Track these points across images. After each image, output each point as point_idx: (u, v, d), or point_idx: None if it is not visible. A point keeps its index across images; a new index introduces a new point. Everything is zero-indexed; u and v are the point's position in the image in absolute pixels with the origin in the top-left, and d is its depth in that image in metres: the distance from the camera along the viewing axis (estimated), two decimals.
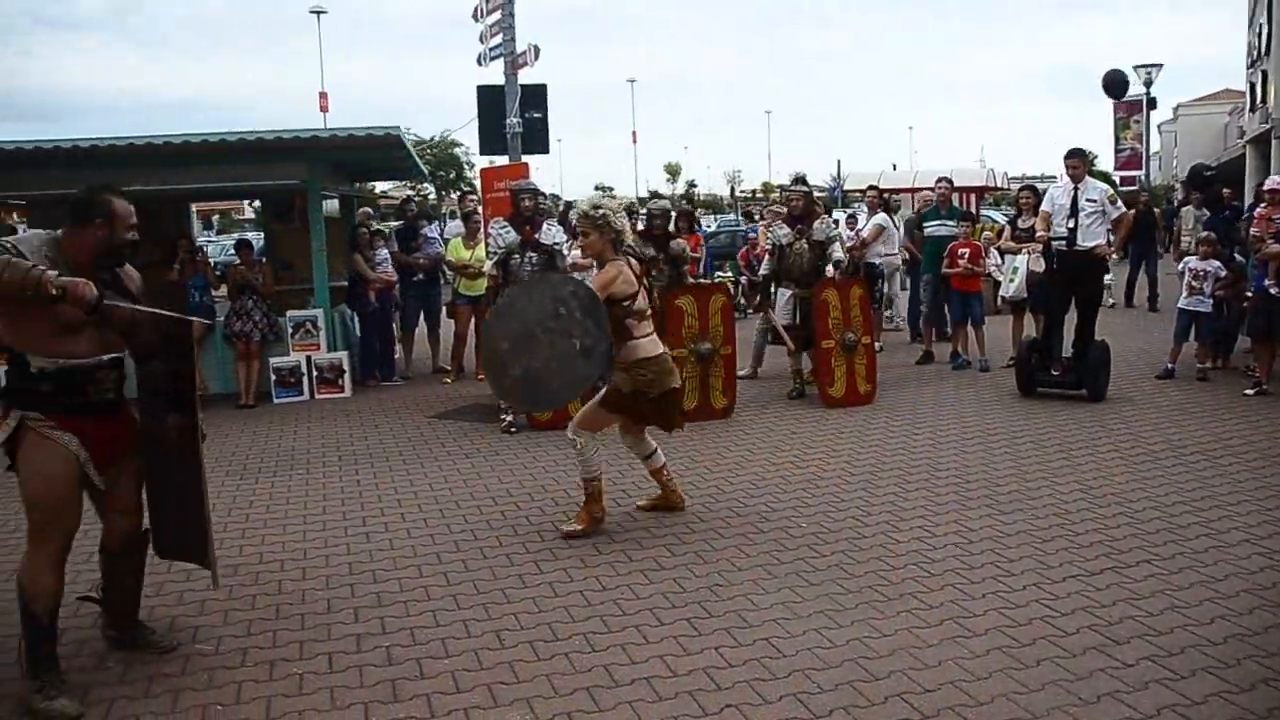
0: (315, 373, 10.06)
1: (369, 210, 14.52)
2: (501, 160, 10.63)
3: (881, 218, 12.33)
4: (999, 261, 10.64)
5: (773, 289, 9.54)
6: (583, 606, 4.46)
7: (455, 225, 11.94)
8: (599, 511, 5.43)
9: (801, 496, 5.99)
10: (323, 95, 41.58)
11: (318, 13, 46.53)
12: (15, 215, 11.46)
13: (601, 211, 5.28)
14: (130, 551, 4.14)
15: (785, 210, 9.40)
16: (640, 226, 8.75)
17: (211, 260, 13.58)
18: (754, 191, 72.73)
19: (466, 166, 40.93)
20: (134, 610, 4.24)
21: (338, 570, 5.04)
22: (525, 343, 5.07)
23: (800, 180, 9.89)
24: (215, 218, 44.58)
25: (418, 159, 12.24)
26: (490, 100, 10.52)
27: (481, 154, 11.48)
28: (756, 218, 17.34)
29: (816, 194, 10.09)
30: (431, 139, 35.31)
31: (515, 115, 10.23)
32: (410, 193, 29.70)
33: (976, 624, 4.12)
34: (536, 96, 10.57)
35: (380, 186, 26.16)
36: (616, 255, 5.33)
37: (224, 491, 6.55)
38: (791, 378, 9.21)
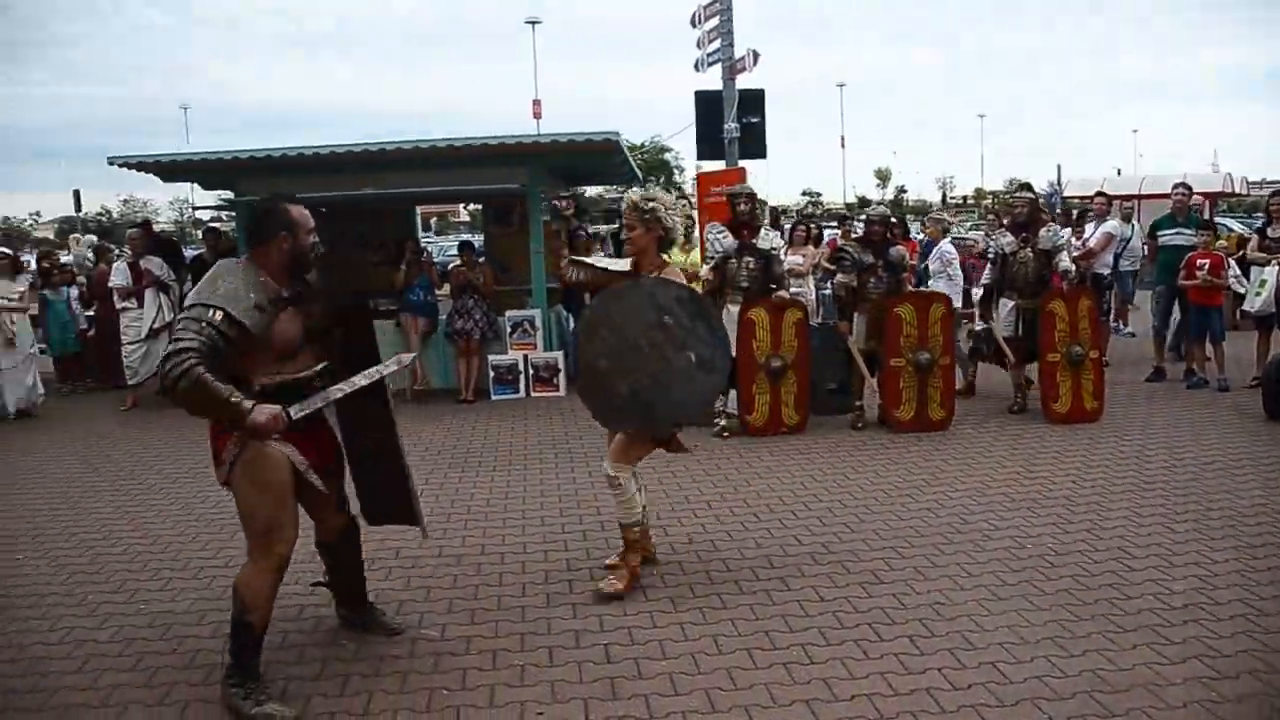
0: (531, 371, 10.38)
1: (576, 211, 14.83)
2: (718, 165, 10.68)
3: (1112, 224, 11.67)
4: (1238, 273, 9.87)
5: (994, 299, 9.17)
6: (800, 616, 4.41)
7: None
8: (638, 558, 4.90)
9: (1026, 516, 5.73)
10: (536, 102, 43.12)
11: (533, 22, 48.14)
12: None
13: (652, 205, 4.68)
14: (346, 541, 4.30)
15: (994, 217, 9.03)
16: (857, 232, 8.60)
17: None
18: (965, 198, 70.35)
19: (676, 171, 41.36)
20: (361, 593, 4.47)
21: (556, 566, 5.17)
22: (630, 358, 4.52)
23: (1025, 186, 9.49)
24: (433, 220, 46.54)
25: (634, 164, 12.44)
26: (708, 105, 10.61)
27: (698, 159, 11.59)
28: (918, 230, 16.16)
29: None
30: (641, 145, 35.88)
31: (733, 120, 10.26)
32: (621, 196, 30.31)
33: (1226, 666, 3.82)
34: (754, 101, 10.58)
35: (590, 191, 26.74)
36: (660, 257, 4.81)
37: (446, 484, 6.85)
38: (1013, 391, 8.83)
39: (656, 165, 37.75)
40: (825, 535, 5.50)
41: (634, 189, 4.78)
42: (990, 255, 9.22)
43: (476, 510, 6.24)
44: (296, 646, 4.28)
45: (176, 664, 4.16)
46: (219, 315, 3.56)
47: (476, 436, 8.49)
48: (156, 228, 15.48)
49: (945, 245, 10.38)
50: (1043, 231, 8.67)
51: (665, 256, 4.84)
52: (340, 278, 4.18)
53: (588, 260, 5.11)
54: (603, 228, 13.94)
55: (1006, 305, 8.87)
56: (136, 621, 4.64)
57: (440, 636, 4.34)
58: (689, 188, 38.26)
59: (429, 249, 15.33)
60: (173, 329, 4.00)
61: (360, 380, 3.89)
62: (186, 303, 3.68)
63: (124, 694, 3.91)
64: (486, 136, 9.79)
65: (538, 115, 41.98)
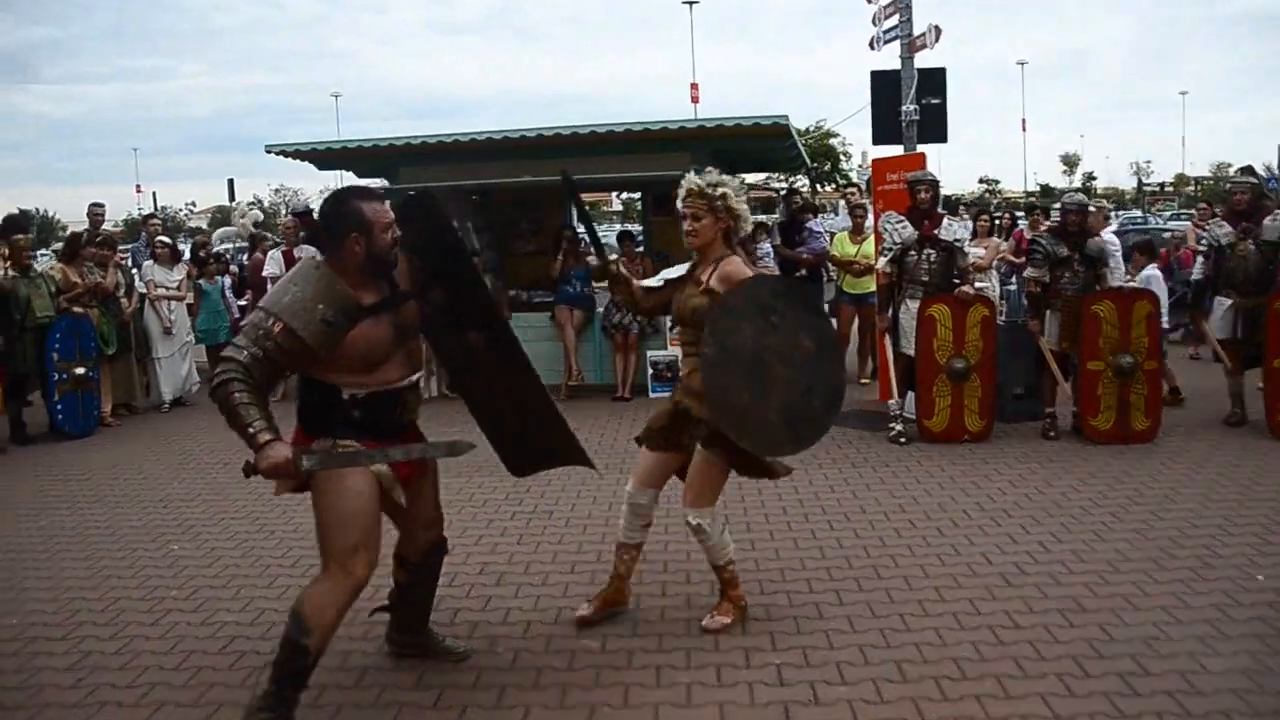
0: None
1: None
2: (894, 151, 10.40)
3: None
4: None
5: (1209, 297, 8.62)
6: (993, 644, 4.19)
7: (839, 219, 11.85)
8: (743, 597, 4.61)
9: (1254, 542, 5.31)
10: (693, 86, 43.11)
11: (690, 2, 48.13)
12: None
13: (721, 191, 4.26)
14: (429, 562, 4.16)
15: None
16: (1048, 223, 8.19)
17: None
18: (1163, 184, 66.89)
19: (843, 158, 40.66)
20: (425, 619, 4.28)
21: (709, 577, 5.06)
22: (763, 378, 4.13)
23: (1247, 170, 8.89)
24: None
25: (803, 149, 12.25)
26: (885, 86, 10.33)
27: (874, 143, 11.30)
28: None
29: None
30: (806, 130, 35.43)
31: (911, 102, 9.95)
32: (782, 185, 29.96)
33: None
34: (935, 81, 10.24)
35: (750, 179, 26.47)
36: (728, 249, 4.38)
37: (603, 487, 6.82)
38: (1230, 401, 8.26)
39: (821, 151, 37.15)
40: (1017, 555, 5.23)
41: (691, 175, 4.38)
42: (1204, 248, 8.67)
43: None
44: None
45: (327, 664, 4.24)
46: (278, 328, 3.44)
47: (633, 435, 8.43)
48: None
49: (1107, 235, 9.79)
50: (1267, 221, 8.09)
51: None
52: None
53: (642, 283, 4.67)
54: (764, 217, 13.77)
55: (1223, 304, 8.31)
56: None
57: (600, 649, 4.30)
58: (855, 175, 37.65)
59: (584, 239, 15.49)
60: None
61: (398, 454, 3.67)
62: (260, 303, 3.60)
63: None
64: (649, 121, 9.79)
65: (695, 99, 42.00)
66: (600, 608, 4.56)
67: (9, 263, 9.37)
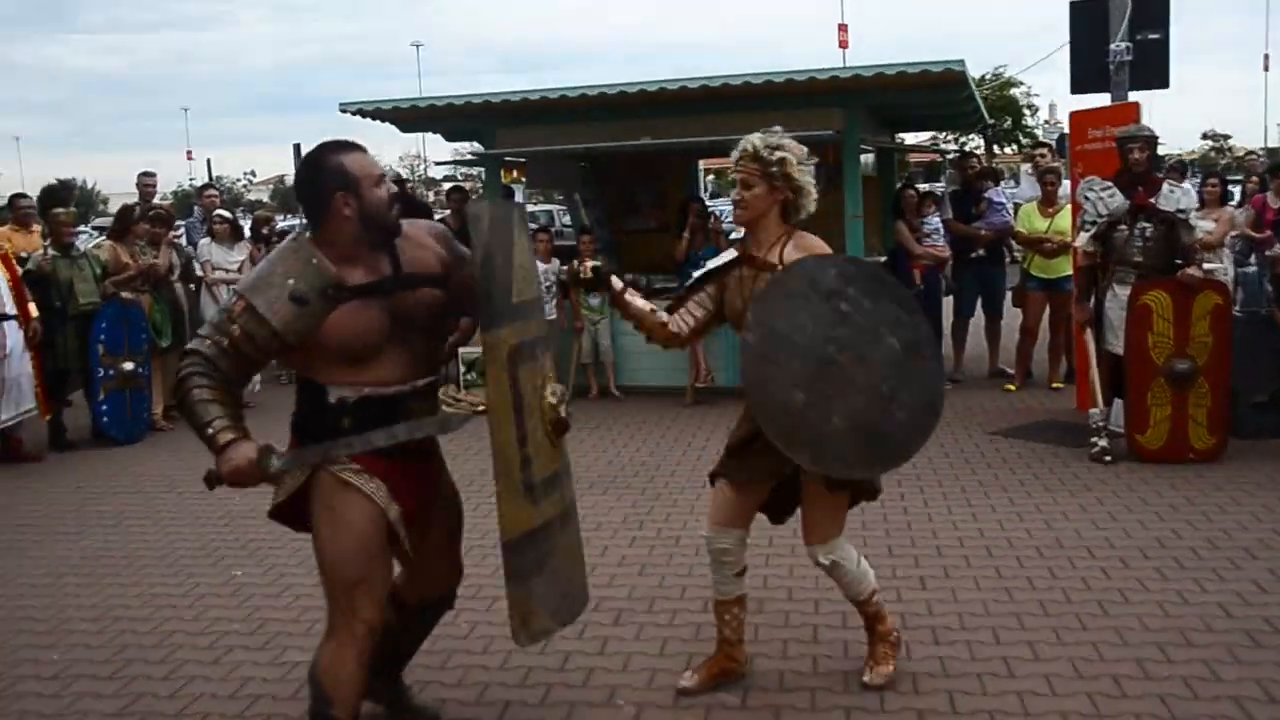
0: None
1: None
2: (1098, 101, 10.10)
3: None
4: None
5: None
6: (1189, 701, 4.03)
7: (1024, 188, 11.58)
8: (891, 623, 4.53)
9: None
10: (842, 28, 42.89)
11: None
12: (515, 174, 12.79)
13: (780, 155, 4.10)
14: (426, 614, 4.14)
15: None
16: None
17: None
18: None
19: (1026, 112, 39.79)
20: (400, 667, 4.25)
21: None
22: (825, 379, 3.94)
23: None
24: (709, 178, 44.46)
25: (981, 101, 12.01)
26: (1088, 19, 10.02)
27: (1073, 92, 10.99)
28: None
29: None
30: (982, 78, 34.78)
31: (1123, 38, 9.64)
32: (950, 146, 29.51)
33: None
34: (1154, 11, 9.86)
35: (911, 139, 26.13)
36: (780, 225, 4.21)
37: None
38: None
39: (1001, 104, 36.44)
40: (1267, 608, 5.01)
41: (752, 136, 4.16)
42: None
43: (781, 541, 6.13)
44: (562, 703, 4.33)
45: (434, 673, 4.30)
46: (240, 306, 3.44)
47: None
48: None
49: None
50: None
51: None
52: None
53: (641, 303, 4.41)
54: (941, 187, 13.56)
55: None
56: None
57: (740, 704, 4.29)
58: (1042, 133, 36.81)
59: (716, 212, 15.44)
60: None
61: (380, 438, 3.56)
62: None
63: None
64: (794, 71, 9.68)
65: (844, 44, 41.81)
66: (706, 679, 4.40)
67: (48, 241, 9.76)
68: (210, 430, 3.40)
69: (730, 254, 4.34)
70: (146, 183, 12.23)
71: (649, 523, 6.63)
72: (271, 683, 4.65)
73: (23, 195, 11.31)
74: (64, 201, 10.46)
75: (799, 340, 3.93)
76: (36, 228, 10.54)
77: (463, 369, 10.92)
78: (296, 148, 48.09)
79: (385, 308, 3.56)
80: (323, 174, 3.56)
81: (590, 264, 4.25)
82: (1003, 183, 14.62)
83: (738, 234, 4.47)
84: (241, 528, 6.92)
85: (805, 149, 4.23)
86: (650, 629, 5.05)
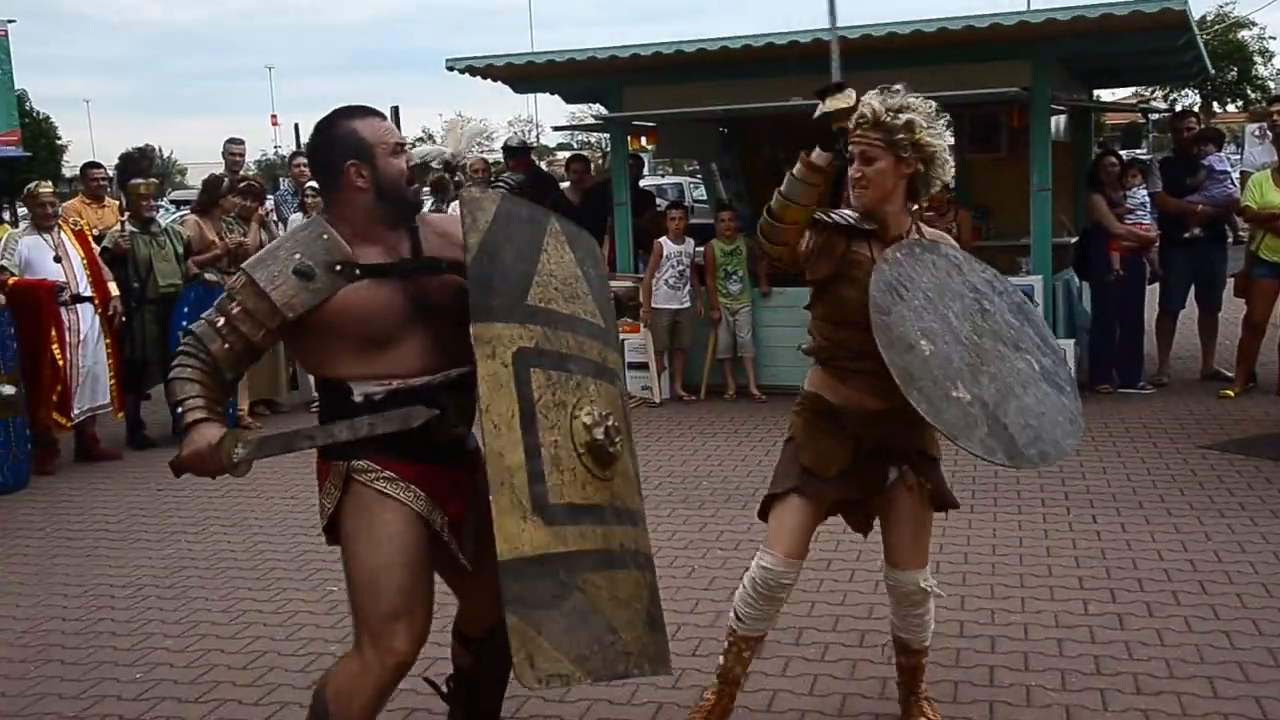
0: None
1: None
2: None
3: None
4: None
5: None
6: None
7: (1257, 152, 11.28)
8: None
9: None
10: None
11: None
12: (644, 141, 12.82)
13: (907, 117, 3.94)
14: (498, 639, 3.70)
15: None
16: None
17: None
18: None
19: (1259, 60, 38.44)
20: (497, 709, 4.26)
21: (1076, 663, 4.97)
22: (958, 349, 3.98)
23: None
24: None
25: (1204, 48, 11.71)
26: None
27: None
28: None
29: None
30: (1203, 18, 33.78)
31: None
32: (1157, 103, 28.83)
33: None
34: None
35: (1108, 95, 25.62)
36: (906, 211, 4.15)
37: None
38: None
39: (1225, 51, 35.32)
40: None
41: (869, 96, 3.98)
42: None
43: (948, 565, 6.14)
44: None
45: None
46: (241, 282, 3.56)
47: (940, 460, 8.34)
48: (490, 157, 16.51)
49: None
50: None
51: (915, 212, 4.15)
52: None
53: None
54: (1142, 154, 13.29)
55: None
56: None
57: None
58: (1275, 87, 35.62)
59: None
60: None
61: (342, 431, 3.57)
62: None
63: None
64: (972, 16, 9.55)
65: None
66: None
67: (125, 216, 10.09)
68: (180, 409, 3.55)
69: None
70: (234, 151, 12.59)
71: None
72: None
73: (96, 164, 11.63)
74: (143, 171, 10.64)
75: (933, 298, 3.97)
76: (110, 201, 10.90)
77: None
78: (394, 111, 48.61)
79: (402, 290, 3.62)
80: (334, 141, 3.66)
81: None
82: (1225, 148, 14.27)
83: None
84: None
85: (933, 104, 4.10)
86: (798, 663, 5.09)
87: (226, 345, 3.56)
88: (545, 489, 3.40)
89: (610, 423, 3.56)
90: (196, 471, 3.61)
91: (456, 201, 11.85)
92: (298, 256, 3.54)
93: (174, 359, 3.64)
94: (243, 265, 3.64)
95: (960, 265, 4.12)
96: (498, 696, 4.20)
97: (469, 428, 3.81)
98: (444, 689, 4.20)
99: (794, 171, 3.77)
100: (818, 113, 3.75)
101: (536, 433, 3.40)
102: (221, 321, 3.54)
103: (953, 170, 4.23)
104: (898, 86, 4.04)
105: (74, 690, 5.17)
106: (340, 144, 3.64)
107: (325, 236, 3.60)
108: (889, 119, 3.92)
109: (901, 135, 3.92)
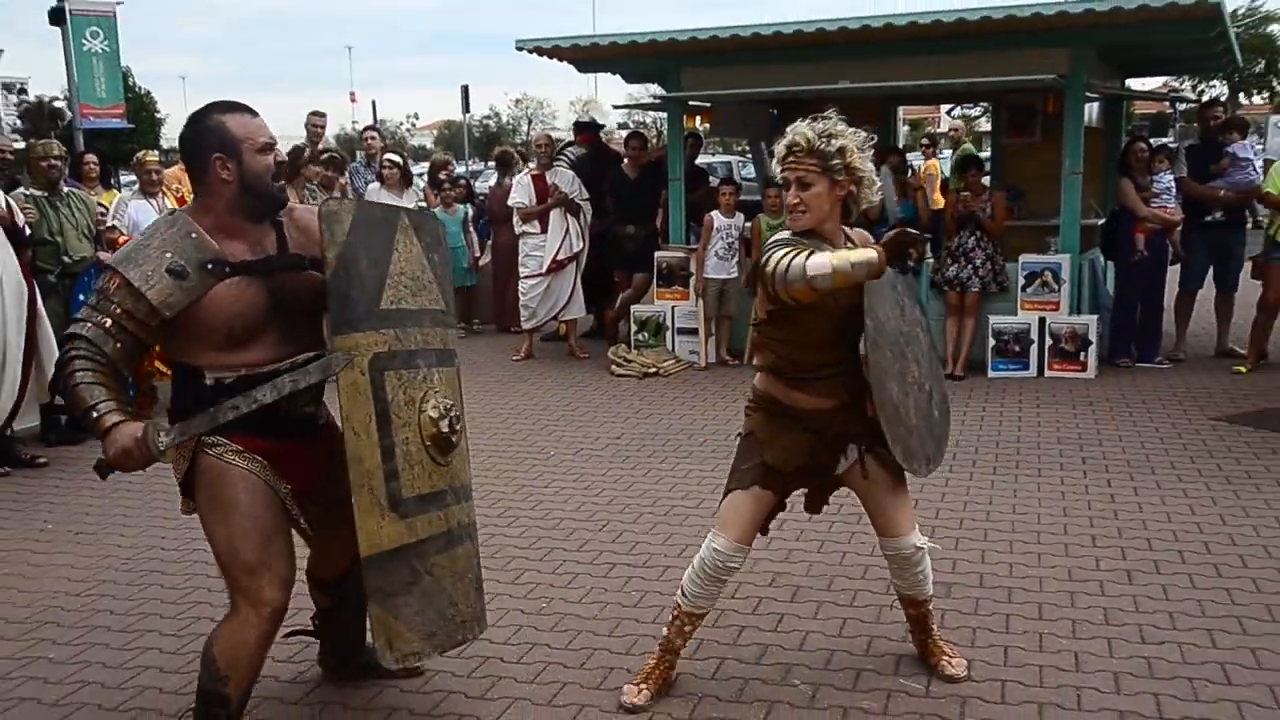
0: (1049, 341, 10.11)
1: None
2: None
3: None
4: None
5: None
6: None
7: (1277, 141, 11.19)
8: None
9: None
10: None
11: None
12: (699, 120, 12.87)
13: (839, 144, 3.96)
14: (349, 583, 4.18)
15: None
16: None
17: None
18: None
19: None
20: (361, 639, 4.38)
21: (1086, 614, 5.04)
22: (905, 373, 4.17)
23: None
24: (904, 129, 44.23)
25: (1235, 41, 11.58)
26: None
27: None
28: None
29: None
30: (1234, 12, 33.27)
31: None
32: (1184, 93, 28.46)
33: None
34: None
35: (1137, 85, 25.30)
36: (840, 231, 4.14)
37: (928, 486, 6.79)
38: None
39: (1254, 44, 34.65)
40: None
41: (800, 125, 4.01)
42: None
43: (971, 524, 6.22)
44: (735, 679, 4.53)
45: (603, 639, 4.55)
46: (115, 284, 3.56)
47: (967, 426, 8.42)
48: (555, 134, 16.57)
49: None
50: None
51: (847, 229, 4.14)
52: None
53: None
54: (1169, 141, 13.20)
55: None
56: (582, 613, 5.22)
57: (924, 691, 4.40)
58: None
59: (914, 165, 15.28)
60: None
61: (266, 394, 3.63)
62: None
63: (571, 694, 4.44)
64: (1015, 5, 9.50)
65: None
66: (657, 692, 4.39)
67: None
68: (94, 414, 3.53)
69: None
70: (316, 123, 12.63)
71: (832, 498, 6.71)
72: (492, 629, 4.81)
73: None
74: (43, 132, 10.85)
75: (889, 329, 4.02)
76: None
77: (634, 327, 11.14)
78: (464, 90, 48.76)
79: (267, 287, 3.68)
80: (203, 133, 3.66)
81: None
82: (1249, 136, 14.16)
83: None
84: None
85: (863, 133, 4.12)
86: (829, 608, 5.19)
87: (119, 345, 3.58)
88: (399, 485, 3.62)
89: (453, 414, 3.76)
90: (125, 468, 3.64)
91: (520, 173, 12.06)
92: (169, 255, 3.55)
93: (66, 363, 3.59)
94: (111, 263, 3.66)
95: (896, 285, 4.15)
96: (360, 628, 4.31)
97: (317, 407, 3.96)
98: (311, 627, 4.43)
99: (857, 262, 3.64)
100: (890, 239, 3.77)
101: (391, 432, 3.60)
102: (109, 323, 3.55)
103: (878, 195, 4.17)
104: (828, 114, 4.07)
105: (172, 611, 5.39)
106: (208, 136, 3.65)
107: (194, 235, 3.62)
108: (822, 145, 3.95)
109: (835, 160, 3.96)
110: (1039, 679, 4.46)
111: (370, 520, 3.52)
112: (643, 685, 4.34)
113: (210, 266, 3.59)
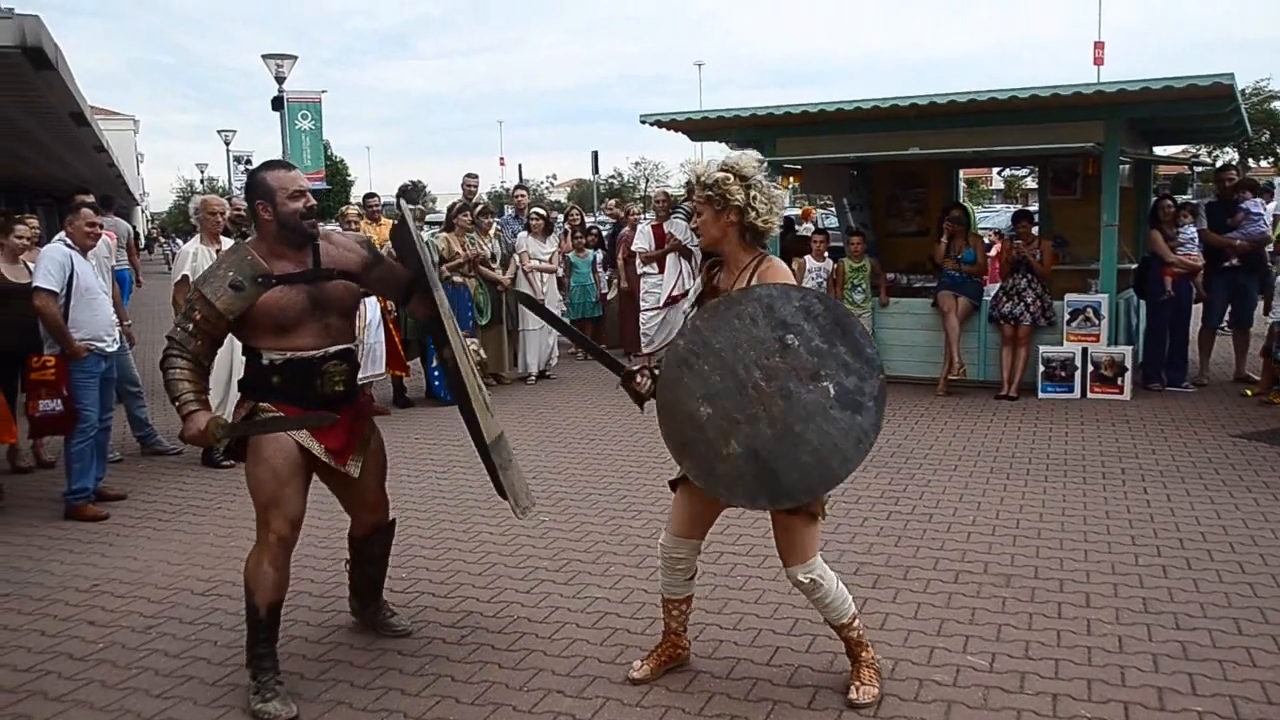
0: (1091, 367, 9.86)
1: None
2: None
3: None
4: None
5: None
6: None
7: None
8: (876, 658, 4.14)
9: None
10: (1098, 45, 40.62)
11: None
12: (791, 180, 12.83)
13: (717, 177, 3.82)
14: (372, 542, 4.67)
15: None
16: None
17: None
18: None
19: None
20: (377, 592, 4.80)
21: (1128, 603, 4.86)
22: (739, 403, 3.65)
23: None
24: (963, 185, 44.58)
25: (1245, 114, 11.30)
26: None
27: None
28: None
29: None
30: (1243, 91, 32.52)
31: None
32: (1200, 158, 27.70)
33: None
34: None
35: (1162, 151, 24.68)
36: (750, 248, 3.92)
37: (989, 491, 6.72)
38: None
39: (1260, 118, 33.88)
40: None
41: (701, 162, 3.96)
42: None
43: (1026, 524, 6.04)
44: (746, 679, 4.43)
45: (712, 617, 4.50)
46: (196, 296, 4.05)
47: (1021, 440, 8.22)
48: (670, 191, 16.68)
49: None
50: None
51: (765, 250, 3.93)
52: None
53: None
54: (1190, 199, 12.83)
55: None
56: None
57: (988, 667, 4.26)
58: None
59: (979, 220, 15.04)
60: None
61: (271, 425, 4.09)
62: None
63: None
64: (1058, 85, 9.39)
65: (1099, 61, 39.56)
66: (657, 667, 4.24)
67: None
68: (179, 403, 4.04)
69: (699, 285, 4.19)
70: (469, 183, 12.95)
71: (904, 499, 6.62)
72: (576, 613, 4.93)
73: (372, 194, 12.15)
74: (412, 199, 11.11)
75: (726, 357, 3.66)
76: (386, 221, 11.22)
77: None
78: (594, 155, 49.28)
79: (305, 292, 4.12)
80: (253, 186, 4.16)
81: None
82: (1261, 195, 13.73)
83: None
84: (546, 482, 7.29)
85: (757, 160, 3.92)
86: (905, 594, 5.08)
87: (199, 343, 4.07)
88: (485, 394, 4.43)
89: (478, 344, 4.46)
90: (196, 444, 4.41)
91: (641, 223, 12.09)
92: (230, 274, 4.04)
93: (163, 359, 4.08)
94: (195, 283, 4.11)
95: (772, 304, 3.65)
96: (376, 581, 4.77)
97: (347, 388, 4.29)
98: (345, 564, 4.87)
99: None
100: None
101: (469, 360, 4.41)
102: (191, 327, 4.04)
103: (779, 215, 3.88)
104: (747, 151, 3.99)
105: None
106: (255, 188, 4.14)
107: (249, 258, 4.09)
108: (705, 178, 3.88)
109: (712, 191, 3.83)
110: (1088, 658, 4.31)
111: (486, 417, 4.23)
112: (644, 663, 4.26)
113: (260, 280, 4.06)
